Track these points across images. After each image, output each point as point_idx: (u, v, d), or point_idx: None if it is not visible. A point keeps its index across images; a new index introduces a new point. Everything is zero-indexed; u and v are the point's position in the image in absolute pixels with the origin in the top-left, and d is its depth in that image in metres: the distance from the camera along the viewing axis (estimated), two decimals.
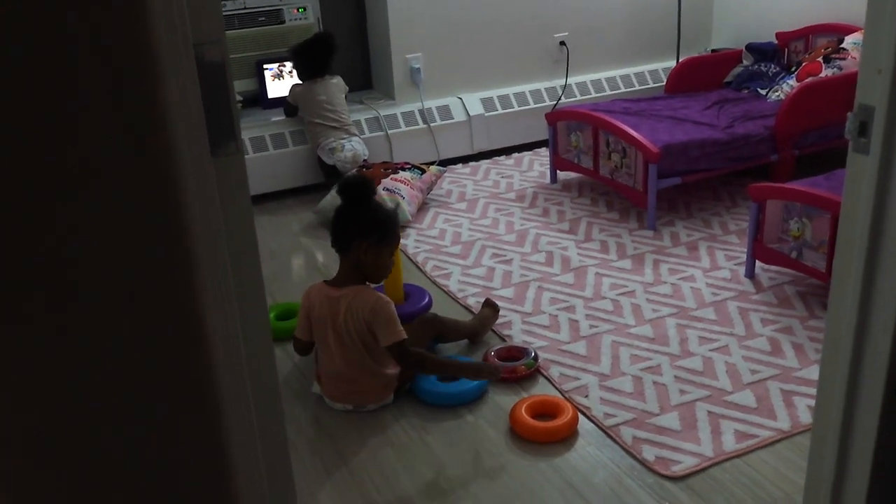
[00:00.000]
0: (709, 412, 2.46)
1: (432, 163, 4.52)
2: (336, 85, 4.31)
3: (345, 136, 4.22)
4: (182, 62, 0.87)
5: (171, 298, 0.88)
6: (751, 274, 3.24)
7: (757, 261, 3.22)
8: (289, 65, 4.46)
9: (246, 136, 4.28)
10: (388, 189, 3.89)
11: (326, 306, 2.50)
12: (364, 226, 2.48)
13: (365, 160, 4.23)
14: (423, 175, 4.08)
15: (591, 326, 2.96)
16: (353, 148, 4.19)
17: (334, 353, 2.50)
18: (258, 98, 4.55)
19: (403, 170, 4.06)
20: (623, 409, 2.50)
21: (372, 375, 2.52)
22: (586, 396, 2.57)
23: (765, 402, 2.50)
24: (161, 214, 0.85)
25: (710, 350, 2.78)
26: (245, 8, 4.43)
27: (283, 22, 4.51)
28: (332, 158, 4.19)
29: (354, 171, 4.08)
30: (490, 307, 3.00)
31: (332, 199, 3.81)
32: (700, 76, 4.57)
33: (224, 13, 4.32)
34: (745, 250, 3.29)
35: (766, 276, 3.24)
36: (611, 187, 4.00)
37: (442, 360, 2.62)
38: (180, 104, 0.84)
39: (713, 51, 5.05)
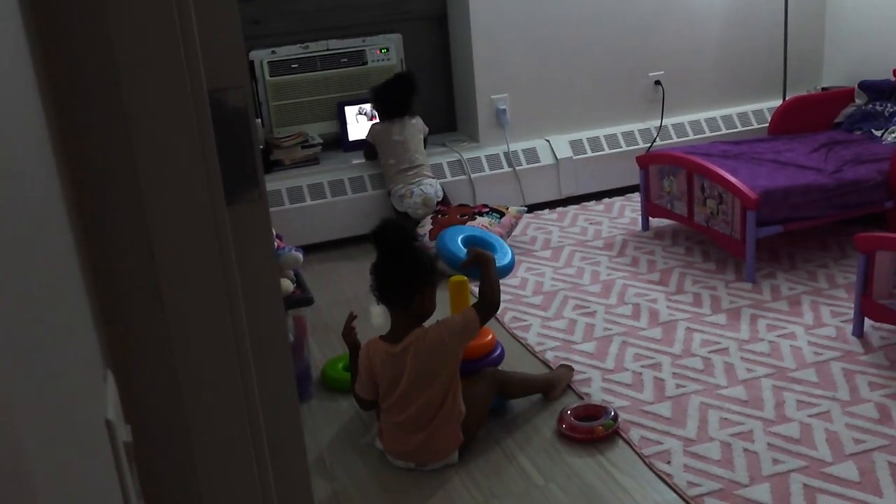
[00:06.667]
0: (804, 485, 2.34)
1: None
2: (414, 126, 4.36)
3: (414, 181, 4.24)
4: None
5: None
6: (859, 332, 3.09)
7: (866, 318, 3.07)
8: (369, 106, 4.55)
9: (324, 179, 4.37)
10: None
11: (390, 364, 2.51)
12: (420, 275, 2.49)
13: (440, 204, 4.24)
14: (503, 218, 4.07)
15: (678, 386, 2.87)
16: (422, 192, 4.21)
17: (408, 402, 2.50)
18: (339, 140, 4.65)
19: (481, 214, 4.06)
20: (709, 479, 2.40)
21: (448, 415, 2.52)
22: (668, 462, 2.49)
23: (869, 476, 2.36)
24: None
25: (809, 416, 2.65)
26: (328, 50, 4.56)
27: (365, 63, 4.61)
28: (402, 205, 4.23)
29: (429, 217, 4.10)
30: (565, 368, 2.98)
31: None
32: (808, 116, 4.45)
33: (307, 55, 4.48)
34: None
35: (878, 335, 3.09)
36: (707, 236, 3.91)
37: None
38: (167, 150, 0.85)
39: (823, 89, 4.90)
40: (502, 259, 2.85)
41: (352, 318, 2.72)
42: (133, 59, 0.86)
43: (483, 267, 2.67)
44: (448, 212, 4.12)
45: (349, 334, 2.69)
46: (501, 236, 4.02)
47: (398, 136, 4.29)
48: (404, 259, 2.49)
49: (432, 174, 4.35)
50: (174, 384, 0.93)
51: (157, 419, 0.95)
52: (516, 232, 4.28)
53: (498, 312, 3.46)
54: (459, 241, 2.75)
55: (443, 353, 2.50)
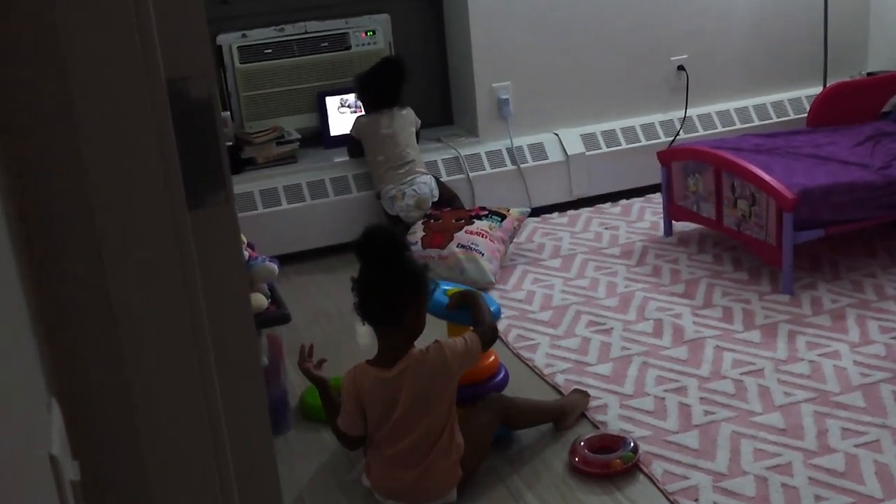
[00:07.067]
0: None
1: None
2: (405, 117, 4.37)
3: (406, 179, 4.24)
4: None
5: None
6: None
7: None
8: (353, 96, 4.56)
9: (303, 179, 4.38)
10: (463, 246, 3.89)
11: (382, 391, 2.50)
12: (414, 285, 2.49)
13: (435, 208, 4.25)
14: (504, 221, 4.08)
15: (707, 413, 2.87)
16: (415, 193, 4.21)
17: (403, 432, 2.50)
18: (319, 135, 4.66)
19: (479, 218, 4.06)
20: None
21: (445, 448, 2.52)
22: (696, 500, 2.49)
23: None
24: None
25: (856, 446, 2.65)
26: (306, 33, 4.57)
27: (349, 48, 4.63)
28: (394, 208, 4.23)
29: (421, 223, 4.10)
30: (579, 393, 2.98)
31: None
32: (851, 105, 4.46)
33: (282, 39, 4.49)
34: None
35: None
36: (738, 241, 3.92)
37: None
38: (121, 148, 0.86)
39: (869, 74, 4.92)
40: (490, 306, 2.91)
41: (304, 350, 2.67)
42: (80, 44, 0.86)
43: (471, 302, 2.71)
44: (442, 216, 4.12)
45: (309, 370, 2.64)
46: (503, 242, 4.02)
47: (387, 130, 4.30)
48: (394, 270, 2.48)
49: (426, 170, 4.35)
50: (128, 414, 0.93)
51: (109, 453, 0.95)
52: (521, 238, 4.29)
53: (501, 331, 3.48)
54: (441, 290, 2.83)
55: (444, 377, 2.50)
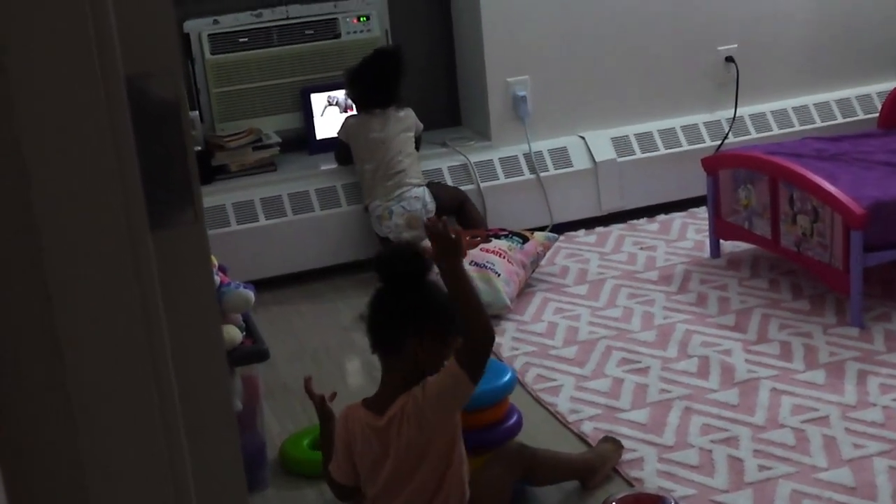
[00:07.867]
0: None
1: (542, 228, 4.51)
2: (402, 120, 4.38)
3: (395, 194, 4.26)
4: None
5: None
6: None
7: None
8: (343, 93, 4.57)
9: (284, 191, 4.40)
10: (476, 263, 3.90)
11: (373, 440, 2.48)
12: (424, 315, 2.46)
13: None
14: (526, 244, 4.09)
15: (762, 468, 2.87)
16: (403, 210, 4.23)
17: (394, 490, 2.48)
18: (303, 139, 4.67)
19: (497, 237, 4.08)
20: None
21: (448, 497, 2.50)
22: None
23: None
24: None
25: None
26: (287, 18, 4.59)
27: (338, 36, 4.66)
28: (382, 229, 4.25)
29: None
30: (611, 442, 2.97)
31: None
32: None
33: (260, 25, 4.51)
34: None
35: None
36: (797, 264, 3.91)
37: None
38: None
39: None
40: (497, 378, 2.77)
41: (309, 380, 2.70)
42: (21, 34, 0.86)
43: (446, 272, 2.46)
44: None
45: (319, 397, 2.67)
46: (523, 266, 4.03)
47: (377, 134, 4.30)
48: (408, 291, 2.47)
49: (420, 180, 4.35)
50: (79, 477, 0.93)
51: None
52: (542, 260, 4.28)
53: (518, 370, 3.46)
54: None
55: (426, 429, 2.45)
